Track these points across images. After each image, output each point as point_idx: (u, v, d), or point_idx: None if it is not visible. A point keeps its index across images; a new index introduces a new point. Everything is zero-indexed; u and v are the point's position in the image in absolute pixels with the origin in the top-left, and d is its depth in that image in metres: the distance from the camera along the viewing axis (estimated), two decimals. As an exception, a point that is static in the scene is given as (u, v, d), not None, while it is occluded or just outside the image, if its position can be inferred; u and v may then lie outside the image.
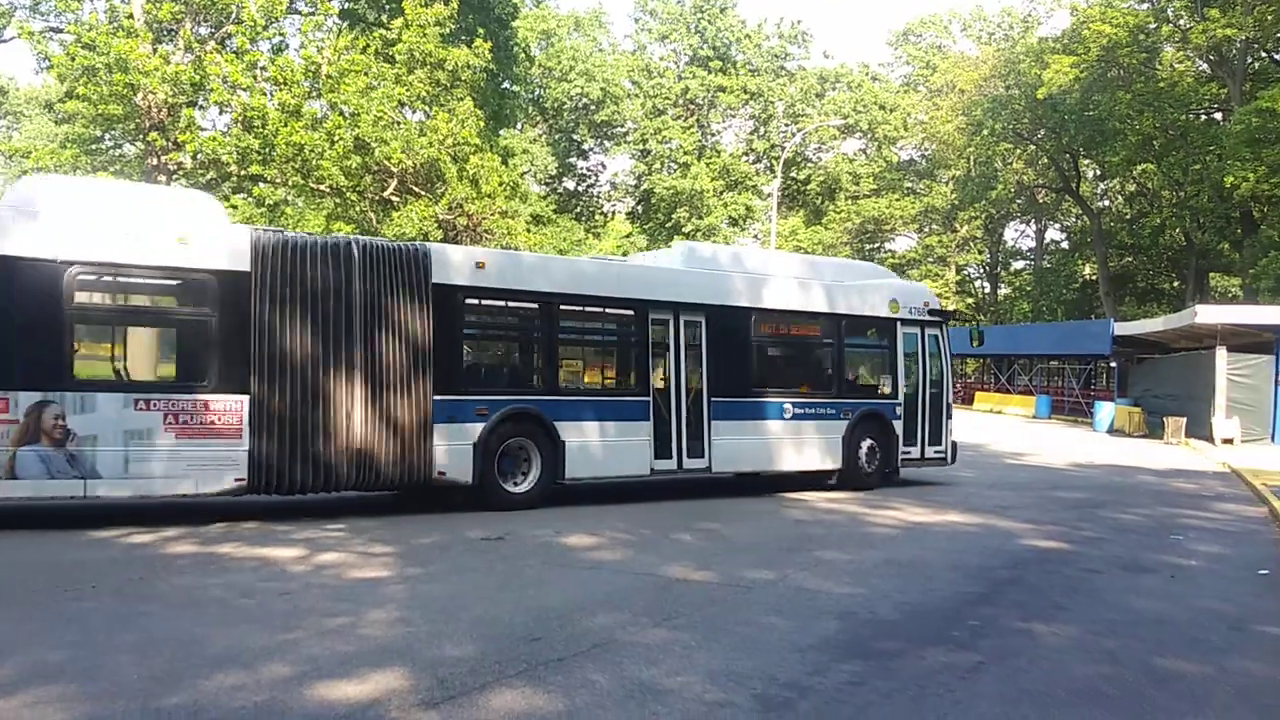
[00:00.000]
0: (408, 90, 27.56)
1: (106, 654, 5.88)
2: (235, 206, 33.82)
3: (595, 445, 13.38)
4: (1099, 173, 54.36)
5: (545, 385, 13.29)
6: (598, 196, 65.92)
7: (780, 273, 16.10)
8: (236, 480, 10.97)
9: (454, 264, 12.53)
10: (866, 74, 64.78)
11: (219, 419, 10.89)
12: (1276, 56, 42.18)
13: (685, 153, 58.86)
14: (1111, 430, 34.83)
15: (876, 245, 65.91)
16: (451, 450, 12.11)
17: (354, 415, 11.47)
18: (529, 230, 34.57)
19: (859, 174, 62.17)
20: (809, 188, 63.34)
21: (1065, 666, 6.34)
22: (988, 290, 67.97)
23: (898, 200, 61.30)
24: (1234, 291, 49.83)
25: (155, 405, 10.66)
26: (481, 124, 29.55)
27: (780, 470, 15.34)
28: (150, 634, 6.33)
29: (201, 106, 26.73)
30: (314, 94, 26.87)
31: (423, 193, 28.05)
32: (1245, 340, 30.09)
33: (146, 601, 7.25)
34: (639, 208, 63.13)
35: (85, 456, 10.28)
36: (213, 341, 11.09)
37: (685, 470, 14.28)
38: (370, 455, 11.56)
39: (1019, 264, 67.45)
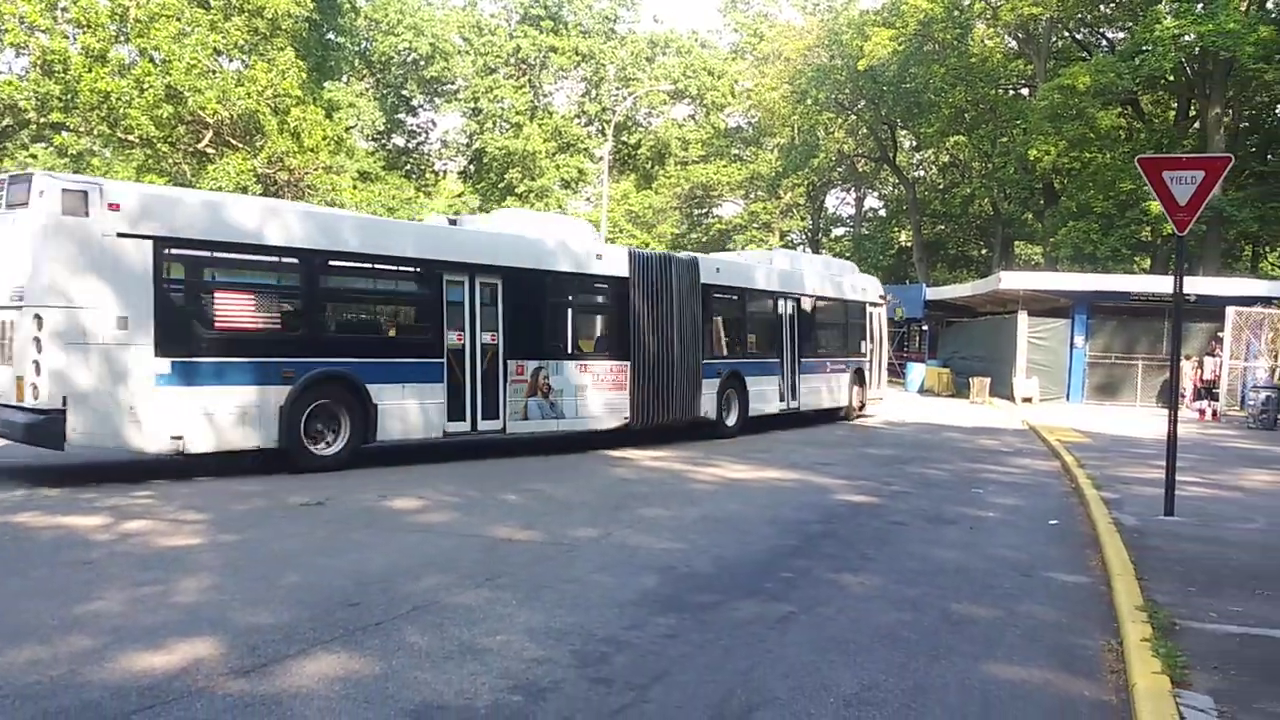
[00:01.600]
0: (224, 37, 26.36)
1: (-115, 632, 5.52)
2: (35, 156, 31.71)
3: (759, 392, 19.42)
4: (915, 143, 56.34)
5: (742, 352, 19.33)
6: (429, 154, 64.30)
7: (816, 270, 22.69)
8: (624, 419, 16.24)
9: (708, 269, 18.27)
10: (696, 40, 65.17)
11: (617, 378, 16.13)
12: (1078, 36, 44.58)
13: (517, 113, 58.01)
14: (922, 390, 36.42)
15: (705, 211, 66.79)
16: (708, 397, 17.82)
17: (675, 373, 16.97)
18: (355, 187, 33.61)
19: (688, 140, 62.64)
20: (640, 152, 63.48)
21: (870, 614, 6.68)
22: (810, 256, 69.76)
23: (725, 167, 62.12)
24: (1036, 259, 52.55)
25: (588, 369, 15.75)
26: (304, 75, 28.52)
27: (823, 408, 21.89)
28: (-64, 610, 5.97)
29: (-6, 48, 24.92)
30: (121, 38, 25.39)
31: (241, 146, 26.94)
32: (1045, 305, 32.05)
33: (-68, 576, 6.82)
34: (471, 167, 61.97)
35: (558, 403, 15.11)
36: (613, 325, 16.52)
37: (789, 409, 20.36)
38: (681, 400, 17.17)
39: (839, 230, 69.40)
